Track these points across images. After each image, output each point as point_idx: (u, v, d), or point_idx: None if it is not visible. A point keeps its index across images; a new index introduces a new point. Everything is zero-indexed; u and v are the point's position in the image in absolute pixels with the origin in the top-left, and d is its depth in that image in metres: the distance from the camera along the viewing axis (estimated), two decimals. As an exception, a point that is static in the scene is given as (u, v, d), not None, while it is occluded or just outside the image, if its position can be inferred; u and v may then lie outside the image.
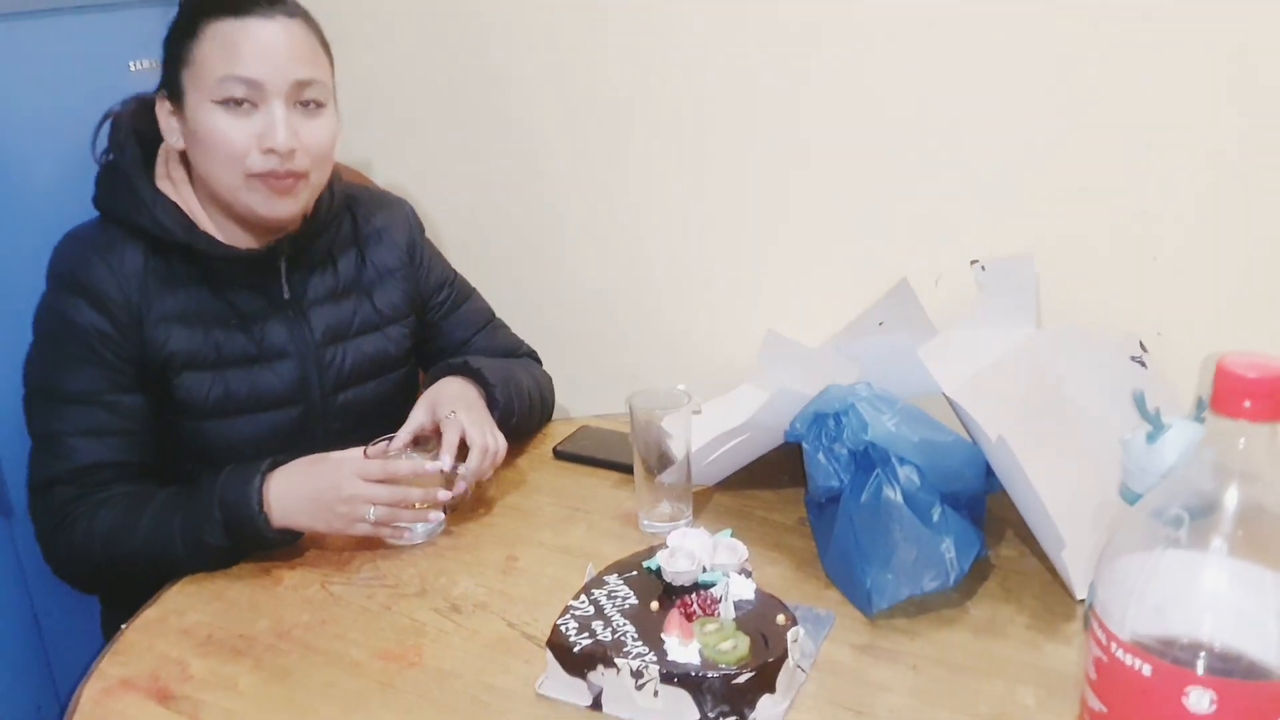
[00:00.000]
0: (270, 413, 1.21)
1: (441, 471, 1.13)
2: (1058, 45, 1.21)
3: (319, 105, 1.15)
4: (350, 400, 1.26)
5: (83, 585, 1.21)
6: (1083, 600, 1.00)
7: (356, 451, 1.12)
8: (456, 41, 1.57)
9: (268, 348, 1.21)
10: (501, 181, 1.61)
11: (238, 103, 1.09)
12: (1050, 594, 1.02)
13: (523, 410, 1.32)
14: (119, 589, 1.18)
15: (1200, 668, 0.57)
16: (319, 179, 1.17)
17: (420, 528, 1.15)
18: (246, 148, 1.10)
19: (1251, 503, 0.58)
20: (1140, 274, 1.24)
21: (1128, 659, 0.59)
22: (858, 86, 1.33)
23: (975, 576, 1.03)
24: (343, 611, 1.04)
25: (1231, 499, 0.58)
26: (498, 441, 1.19)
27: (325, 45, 1.18)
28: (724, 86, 1.41)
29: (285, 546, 1.13)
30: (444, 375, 1.27)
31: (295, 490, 1.10)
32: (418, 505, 1.12)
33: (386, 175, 1.52)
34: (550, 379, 1.44)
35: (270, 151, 1.10)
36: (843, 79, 1.33)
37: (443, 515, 1.15)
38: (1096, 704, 0.63)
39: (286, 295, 1.22)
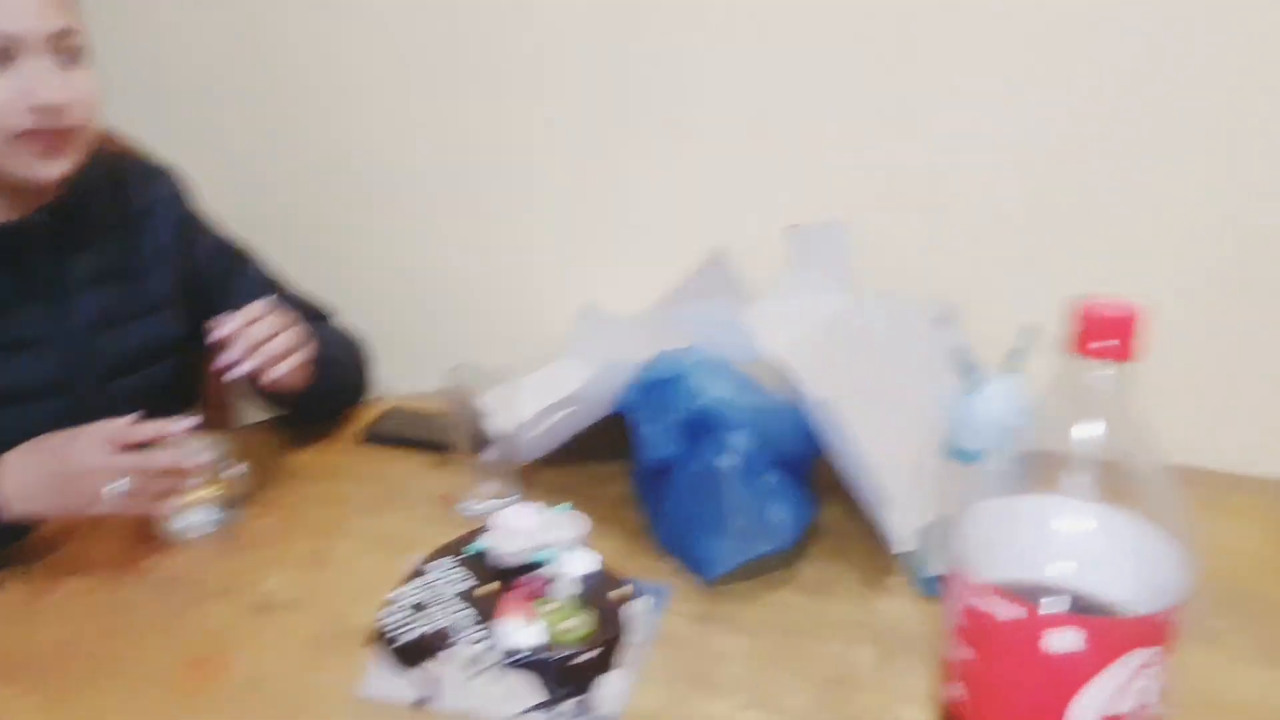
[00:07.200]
0: (30, 404, 1.09)
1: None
2: (846, 16, 1.24)
3: (81, 53, 1.05)
4: (123, 390, 1.15)
5: None
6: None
7: (94, 426, 1.01)
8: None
9: (24, 334, 1.09)
10: (297, 152, 1.52)
11: None
12: (877, 551, 1.03)
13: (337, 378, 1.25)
14: None
15: (1065, 607, 0.58)
16: (90, 135, 1.08)
17: (199, 518, 1.06)
18: (9, 107, 1.00)
19: (1105, 445, 0.59)
20: (940, 240, 1.29)
21: (993, 605, 0.60)
22: (673, 60, 1.32)
23: (805, 538, 1.03)
24: (135, 618, 0.94)
25: (1087, 442, 0.59)
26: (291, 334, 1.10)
27: None
28: (536, 54, 1.37)
29: (20, 539, 1.02)
30: None
31: (28, 470, 0.98)
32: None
33: (169, 146, 1.38)
34: (361, 342, 1.34)
35: (40, 109, 1.00)
36: (657, 53, 1.32)
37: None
38: (964, 652, 0.63)
39: (47, 276, 1.10)
